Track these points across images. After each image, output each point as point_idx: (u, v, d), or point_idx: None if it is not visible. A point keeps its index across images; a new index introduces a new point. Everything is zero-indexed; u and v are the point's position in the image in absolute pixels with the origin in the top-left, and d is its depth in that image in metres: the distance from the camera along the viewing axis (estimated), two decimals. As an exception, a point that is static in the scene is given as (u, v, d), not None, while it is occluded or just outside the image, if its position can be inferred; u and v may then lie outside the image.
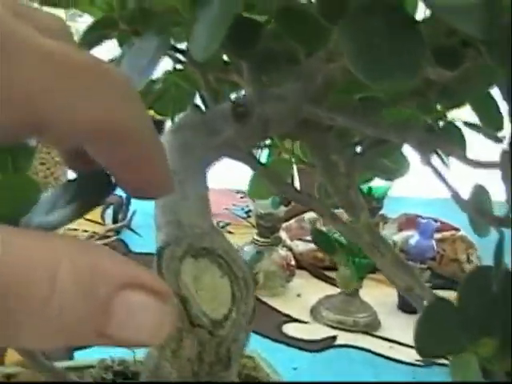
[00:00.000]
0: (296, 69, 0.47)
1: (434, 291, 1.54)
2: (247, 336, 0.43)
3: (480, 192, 0.52)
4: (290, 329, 1.47)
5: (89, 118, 0.24)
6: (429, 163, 0.49)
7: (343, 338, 1.47)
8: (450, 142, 0.49)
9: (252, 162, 0.51)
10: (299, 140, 0.57)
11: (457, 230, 1.88)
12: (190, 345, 0.40)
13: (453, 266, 1.87)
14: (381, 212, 1.83)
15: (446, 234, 1.88)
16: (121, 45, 0.58)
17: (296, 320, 1.53)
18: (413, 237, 1.69)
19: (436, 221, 1.81)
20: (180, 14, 0.46)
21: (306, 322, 1.53)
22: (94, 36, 0.54)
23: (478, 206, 0.49)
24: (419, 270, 1.63)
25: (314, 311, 1.56)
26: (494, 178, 0.45)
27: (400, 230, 2.03)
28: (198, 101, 0.56)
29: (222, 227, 2.05)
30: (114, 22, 0.53)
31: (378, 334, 1.52)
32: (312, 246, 1.81)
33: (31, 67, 0.23)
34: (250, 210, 2.23)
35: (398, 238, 1.87)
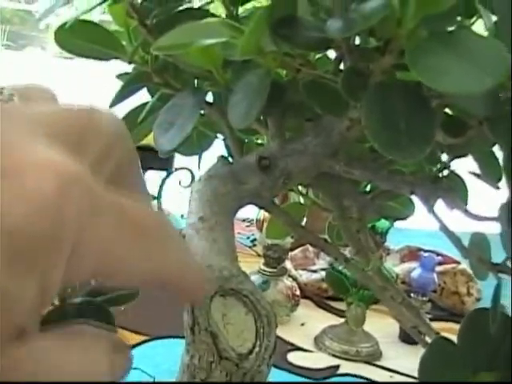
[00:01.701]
0: (315, 125, 0.51)
1: (434, 322, 1.57)
2: (269, 367, 0.47)
3: (479, 239, 0.57)
4: (294, 357, 1.51)
5: (144, 269, 0.28)
6: (432, 212, 0.54)
7: (346, 366, 1.51)
8: (453, 193, 0.53)
9: (273, 208, 0.56)
10: (315, 188, 0.61)
11: (457, 263, 1.91)
12: (219, 375, 0.45)
13: (453, 298, 1.90)
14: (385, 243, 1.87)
15: (447, 266, 1.91)
16: (152, 94, 0.63)
17: (300, 349, 1.56)
18: (415, 269, 1.73)
19: (438, 254, 1.85)
20: (211, 73, 0.50)
21: (309, 351, 1.56)
22: (131, 88, 0.59)
23: (477, 252, 0.54)
24: (421, 302, 1.66)
25: (318, 340, 1.59)
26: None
27: (402, 261, 2.07)
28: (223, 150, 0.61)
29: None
30: (148, 75, 0.58)
31: (379, 363, 1.55)
32: (316, 276, 1.85)
33: (107, 227, 0.25)
34: (255, 239, 2.26)
35: (400, 269, 1.91)
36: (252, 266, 1.79)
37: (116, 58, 0.59)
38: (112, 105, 0.59)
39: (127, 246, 0.26)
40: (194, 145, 0.65)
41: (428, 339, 0.55)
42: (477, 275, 0.59)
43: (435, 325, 1.70)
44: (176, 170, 1.94)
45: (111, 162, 0.30)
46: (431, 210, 0.54)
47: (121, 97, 0.59)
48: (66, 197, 0.24)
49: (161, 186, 1.93)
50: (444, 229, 0.53)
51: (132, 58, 0.56)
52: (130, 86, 0.59)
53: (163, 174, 1.93)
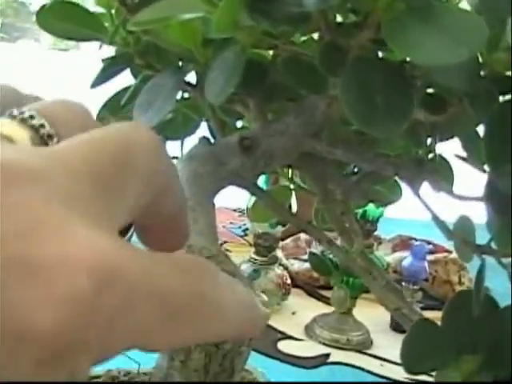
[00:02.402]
0: (298, 105, 0.51)
1: (426, 312, 1.57)
2: (248, 351, 0.47)
3: (464, 222, 0.56)
4: (284, 346, 1.50)
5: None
6: (418, 195, 0.53)
7: (336, 355, 1.50)
8: (438, 175, 0.53)
9: (256, 190, 0.55)
10: (299, 170, 0.61)
11: (449, 252, 1.91)
12: (198, 357, 0.44)
13: (445, 287, 1.90)
14: (375, 233, 1.86)
15: (439, 255, 1.91)
16: (135, 76, 0.62)
17: (291, 337, 1.56)
18: (406, 258, 1.73)
19: (429, 243, 1.85)
20: (192, 52, 0.50)
21: (300, 340, 1.56)
22: (113, 69, 0.58)
23: (462, 235, 0.54)
24: (412, 291, 1.66)
25: (308, 329, 1.59)
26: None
27: (394, 250, 2.07)
28: (205, 131, 0.60)
29: (220, 245, 2.07)
30: (130, 56, 0.57)
31: (370, 352, 1.55)
32: (307, 265, 1.84)
33: (143, 317, 0.24)
34: (247, 229, 2.26)
35: (392, 259, 1.91)
36: (244, 255, 1.78)
37: (97, 39, 0.58)
38: (93, 86, 0.58)
39: (165, 330, 0.25)
40: (179, 129, 0.64)
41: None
42: (462, 257, 0.59)
43: (427, 314, 1.69)
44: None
45: (152, 192, 0.28)
46: (416, 192, 0.54)
47: (102, 78, 0.59)
48: (100, 299, 0.22)
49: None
50: (429, 211, 0.53)
51: (113, 39, 0.56)
52: (111, 67, 0.59)
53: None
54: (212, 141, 0.54)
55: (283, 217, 0.59)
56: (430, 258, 1.84)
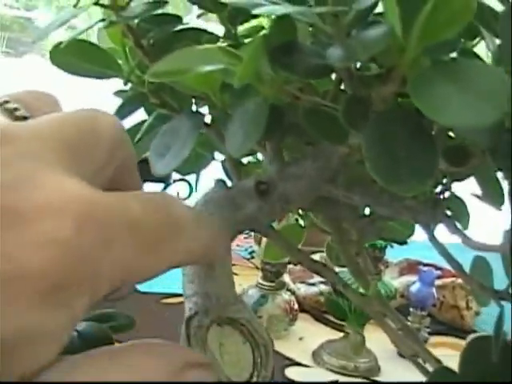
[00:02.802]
0: (315, 149, 0.50)
1: (434, 336, 1.56)
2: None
3: (481, 263, 0.56)
4: (292, 372, 1.50)
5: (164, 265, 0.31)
6: (433, 238, 0.53)
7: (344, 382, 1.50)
8: (452, 219, 0.52)
9: (269, 231, 0.55)
10: (313, 212, 0.60)
11: (456, 276, 1.91)
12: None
13: (452, 312, 1.90)
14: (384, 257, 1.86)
15: (446, 280, 1.91)
16: (148, 113, 0.62)
17: (298, 364, 1.55)
18: (414, 284, 1.72)
19: (437, 268, 1.84)
20: (209, 96, 0.49)
21: (307, 366, 1.55)
22: (127, 109, 0.58)
23: (479, 279, 0.53)
24: (420, 317, 1.66)
25: (316, 355, 1.58)
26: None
27: (401, 274, 2.06)
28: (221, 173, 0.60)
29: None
30: (145, 95, 0.57)
31: (377, 379, 1.55)
32: (315, 289, 1.84)
33: (122, 248, 0.27)
34: (253, 251, 2.25)
35: (399, 283, 1.90)
36: (250, 278, 1.78)
37: (111, 76, 0.58)
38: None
39: (144, 257, 0.28)
40: (191, 164, 0.64)
41: (428, 367, 0.54)
42: (478, 302, 0.58)
43: (435, 339, 1.70)
44: (174, 181, 1.93)
45: (113, 166, 0.32)
46: (432, 235, 0.53)
47: (118, 117, 0.58)
48: (85, 238, 0.25)
49: (159, 199, 1.92)
50: (443, 253, 0.52)
51: (128, 78, 0.55)
52: (127, 106, 0.59)
53: (161, 186, 1.92)
54: (227, 183, 0.54)
55: (296, 258, 0.58)
56: (438, 282, 1.84)
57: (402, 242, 0.65)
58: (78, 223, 0.25)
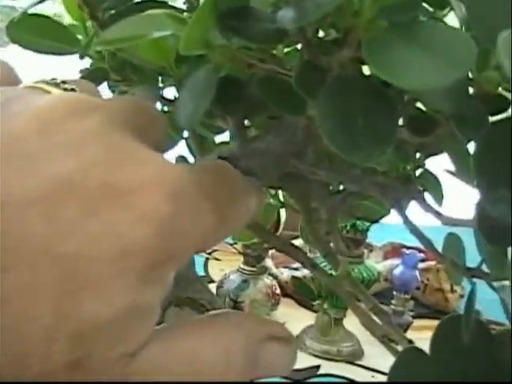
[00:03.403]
0: (278, 123, 0.48)
1: (418, 320, 1.55)
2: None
3: (453, 241, 0.54)
4: (274, 358, 1.48)
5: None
6: (404, 216, 0.51)
7: (327, 366, 1.49)
8: (424, 195, 0.50)
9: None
10: (282, 190, 0.58)
11: (441, 259, 1.90)
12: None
13: (436, 295, 1.89)
14: (367, 240, 1.85)
15: (430, 263, 1.90)
16: (112, 90, 0.60)
17: (280, 349, 1.53)
18: (397, 267, 1.71)
19: (420, 251, 1.83)
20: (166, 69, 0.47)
21: (290, 351, 1.54)
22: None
23: (451, 256, 0.51)
24: (403, 300, 1.65)
25: (298, 340, 1.57)
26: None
27: (385, 258, 2.05)
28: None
29: (209, 253, 2.06)
30: (105, 72, 0.55)
31: (360, 362, 1.54)
32: (298, 273, 1.83)
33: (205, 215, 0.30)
34: (236, 236, 2.24)
35: (383, 266, 1.89)
36: (233, 264, 1.77)
37: (71, 52, 0.56)
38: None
39: (218, 224, 0.31)
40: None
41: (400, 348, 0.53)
42: (452, 279, 0.56)
43: (419, 322, 1.69)
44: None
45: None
46: (403, 213, 0.51)
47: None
48: (179, 211, 0.27)
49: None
50: (416, 232, 0.51)
51: (85, 53, 0.53)
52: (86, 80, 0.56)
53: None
54: (190, 160, 0.52)
55: (264, 238, 0.56)
56: (422, 265, 1.83)
57: (374, 221, 0.64)
58: (174, 197, 0.26)
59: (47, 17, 0.55)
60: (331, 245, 0.58)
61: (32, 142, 0.25)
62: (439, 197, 0.59)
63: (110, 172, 0.25)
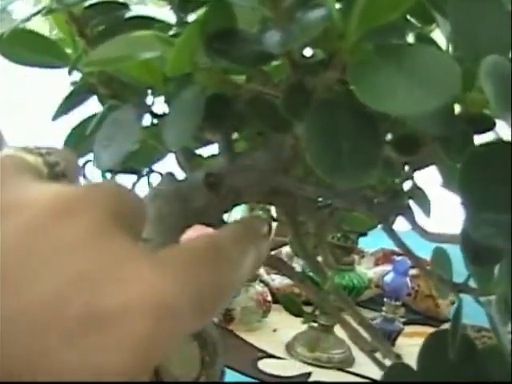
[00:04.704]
0: (266, 140, 0.49)
1: (409, 326, 1.54)
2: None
3: (440, 255, 0.54)
4: (265, 365, 1.48)
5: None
6: (391, 231, 0.51)
7: (318, 374, 1.48)
8: (412, 211, 0.51)
9: (222, 226, 0.53)
10: (269, 204, 0.59)
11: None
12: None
13: (427, 301, 1.89)
14: (358, 246, 1.85)
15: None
16: (102, 103, 0.60)
17: (271, 356, 1.53)
18: (388, 273, 1.71)
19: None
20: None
21: (281, 358, 1.54)
22: (77, 98, 0.56)
23: (438, 271, 0.52)
24: (394, 307, 1.65)
25: (289, 347, 1.57)
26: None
27: (376, 264, 2.05)
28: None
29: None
30: (93, 86, 0.55)
31: (351, 370, 1.53)
32: (289, 280, 1.82)
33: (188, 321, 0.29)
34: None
35: (374, 273, 1.89)
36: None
37: (60, 66, 0.56)
38: (55, 117, 0.56)
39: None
40: (143, 157, 0.62)
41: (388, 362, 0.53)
42: (439, 294, 0.57)
43: (410, 329, 1.69)
44: (147, 173, 1.91)
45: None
46: (389, 228, 0.52)
47: (65, 108, 0.56)
48: (162, 332, 0.26)
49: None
50: (403, 247, 0.51)
51: (73, 68, 0.53)
52: (74, 97, 0.56)
53: (134, 178, 1.90)
54: (178, 175, 0.52)
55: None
56: (413, 272, 1.82)
57: (362, 234, 0.64)
58: (156, 320, 0.25)
59: (35, 32, 0.55)
60: (319, 258, 0.58)
61: (15, 256, 0.24)
62: (427, 210, 0.59)
63: (91, 296, 0.24)
